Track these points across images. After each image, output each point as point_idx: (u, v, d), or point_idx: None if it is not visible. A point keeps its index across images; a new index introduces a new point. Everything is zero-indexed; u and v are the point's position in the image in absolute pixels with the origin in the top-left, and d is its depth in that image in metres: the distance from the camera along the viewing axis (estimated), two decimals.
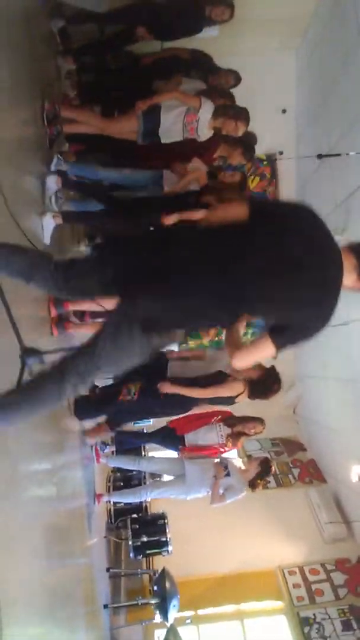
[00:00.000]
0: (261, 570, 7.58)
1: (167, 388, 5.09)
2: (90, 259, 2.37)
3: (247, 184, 8.08)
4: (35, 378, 2.23)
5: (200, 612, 7.23)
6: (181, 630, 5.99)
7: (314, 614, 7.10)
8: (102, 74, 5.74)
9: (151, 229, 4.95)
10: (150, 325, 2.17)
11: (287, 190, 8.30)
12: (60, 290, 2.35)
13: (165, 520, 6.70)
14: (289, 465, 9.21)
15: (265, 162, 8.15)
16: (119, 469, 7.11)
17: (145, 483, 6.96)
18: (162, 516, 6.77)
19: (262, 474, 5.95)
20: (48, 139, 4.38)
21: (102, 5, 5.37)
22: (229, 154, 5.14)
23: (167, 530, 6.61)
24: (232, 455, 8.59)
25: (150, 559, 7.08)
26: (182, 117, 4.70)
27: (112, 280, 2.29)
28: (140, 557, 6.66)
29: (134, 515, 6.85)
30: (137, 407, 5.34)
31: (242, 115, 4.83)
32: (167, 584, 5.78)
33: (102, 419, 5.78)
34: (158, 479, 6.97)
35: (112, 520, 6.98)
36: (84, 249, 6.10)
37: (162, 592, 5.75)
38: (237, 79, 5.34)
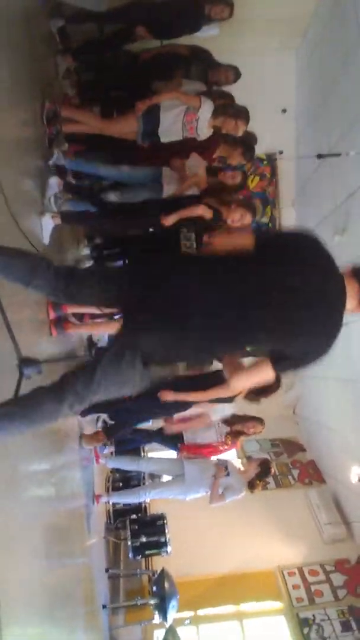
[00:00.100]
0: (260, 571, 7.57)
1: (169, 396, 5.10)
2: (94, 272, 2.35)
3: (247, 183, 8.12)
4: (34, 392, 2.21)
5: (200, 612, 7.23)
6: (180, 630, 6.00)
7: (313, 615, 7.09)
8: (101, 72, 5.73)
9: (151, 230, 4.95)
10: (152, 358, 2.19)
11: (287, 190, 8.30)
12: (59, 295, 2.33)
13: (165, 521, 6.70)
14: (288, 466, 9.21)
15: (265, 162, 8.15)
16: (118, 470, 7.09)
17: (144, 484, 6.96)
18: (162, 517, 6.77)
19: (261, 475, 5.94)
20: (47, 139, 4.36)
21: (102, 4, 5.36)
22: (228, 154, 5.13)
23: (167, 531, 6.61)
24: (231, 455, 8.61)
25: (150, 559, 7.09)
26: (181, 117, 4.68)
27: (115, 300, 2.36)
28: (139, 557, 6.67)
29: (133, 516, 6.85)
30: (136, 406, 5.33)
31: (242, 114, 4.82)
32: (166, 585, 5.78)
33: (100, 425, 5.81)
34: (157, 479, 6.96)
35: (112, 521, 6.98)
36: (83, 249, 6.08)
37: (161, 592, 5.75)
38: (237, 75, 5.32)
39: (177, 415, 5.63)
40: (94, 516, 5.71)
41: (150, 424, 6.48)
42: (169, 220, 4.67)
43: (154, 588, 5.90)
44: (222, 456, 6.31)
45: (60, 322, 4.19)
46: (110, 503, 6.92)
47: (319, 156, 6.23)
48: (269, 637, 7.17)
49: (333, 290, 2.20)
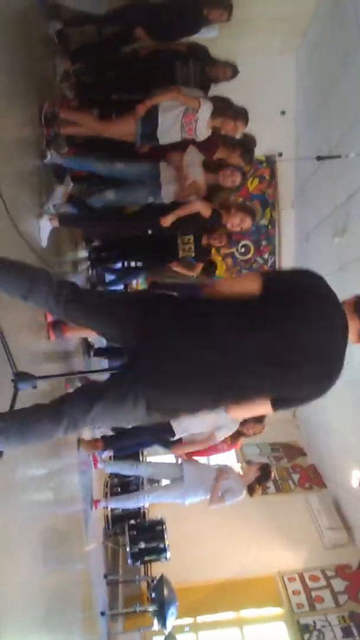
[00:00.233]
0: (261, 577, 7.54)
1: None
2: (97, 298, 2.28)
3: (246, 185, 8.10)
4: (32, 410, 2.20)
5: (199, 619, 7.20)
6: (180, 637, 5.97)
7: (313, 621, 7.04)
8: (100, 74, 5.69)
9: (149, 232, 4.90)
10: (155, 405, 2.16)
11: (287, 192, 8.28)
12: (58, 312, 2.27)
13: (164, 527, 6.66)
14: (288, 470, 9.18)
15: (264, 164, 8.14)
16: (116, 475, 7.04)
17: (143, 489, 6.91)
18: (161, 522, 6.73)
19: (261, 479, 5.91)
20: (45, 140, 4.33)
21: (100, 7, 5.33)
22: (227, 156, 5.11)
23: (166, 537, 6.57)
24: (231, 459, 8.57)
25: (149, 565, 7.04)
26: (180, 117, 4.65)
27: (117, 339, 2.38)
28: (138, 563, 6.63)
29: (132, 522, 6.81)
30: (138, 429, 5.37)
31: (241, 115, 4.80)
32: (166, 591, 5.74)
33: (99, 433, 5.78)
34: (156, 484, 6.91)
35: (110, 527, 6.93)
36: (81, 252, 6.05)
37: (161, 598, 5.71)
38: (235, 72, 5.28)
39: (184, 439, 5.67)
40: (92, 521, 5.66)
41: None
42: (167, 221, 4.64)
43: (153, 594, 5.86)
44: (222, 460, 6.26)
45: (58, 326, 4.14)
46: (109, 508, 6.87)
47: (319, 158, 6.20)
48: None
49: (339, 338, 2.21)
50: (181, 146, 4.89)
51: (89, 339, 5.82)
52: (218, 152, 5.07)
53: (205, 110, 4.68)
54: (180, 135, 4.74)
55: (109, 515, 6.92)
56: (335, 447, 8.09)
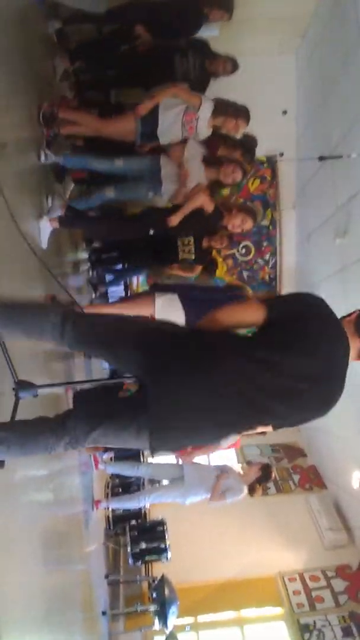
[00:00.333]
0: (261, 577, 7.52)
1: None
2: (99, 333, 2.26)
3: (247, 185, 8.09)
4: (36, 422, 2.20)
5: (200, 618, 7.19)
6: (180, 637, 5.97)
7: (314, 621, 7.03)
8: (100, 72, 5.70)
9: (151, 232, 4.90)
10: (158, 445, 2.15)
11: (288, 192, 8.27)
12: (63, 346, 2.27)
13: (165, 527, 6.67)
14: (289, 471, 9.17)
15: (265, 164, 8.12)
16: (117, 475, 7.05)
17: (144, 489, 6.92)
18: (161, 522, 6.74)
19: (261, 479, 5.91)
20: (45, 141, 4.33)
21: (100, 5, 5.33)
22: (228, 155, 5.09)
23: (166, 537, 6.58)
24: (232, 460, 8.57)
25: (149, 565, 7.04)
26: (181, 116, 4.63)
27: (122, 368, 2.36)
28: (139, 563, 6.65)
29: (133, 522, 6.82)
30: None
31: (242, 113, 4.78)
32: (166, 591, 5.75)
33: None
34: (157, 484, 6.92)
35: (111, 527, 6.94)
36: (81, 253, 6.05)
37: (161, 598, 5.72)
38: (235, 67, 5.25)
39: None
40: (93, 522, 5.67)
41: None
42: (175, 220, 4.62)
43: (154, 594, 5.87)
44: (222, 460, 6.26)
45: None
46: (110, 509, 6.88)
47: (321, 158, 6.20)
48: None
49: (342, 361, 2.19)
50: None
51: None
52: (218, 152, 5.07)
53: (207, 108, 4.67)
54: (181, 134, 4.72)
55: (110, 516, 6.94)
56: (336, 448, 8.09)
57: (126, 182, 4.99)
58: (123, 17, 5.29)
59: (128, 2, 5.32)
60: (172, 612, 5.64)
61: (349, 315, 2.29)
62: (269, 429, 2.29)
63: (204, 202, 4.66)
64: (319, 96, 6.95)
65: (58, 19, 5.16)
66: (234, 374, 2.08)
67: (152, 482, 7.04)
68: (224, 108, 4.74)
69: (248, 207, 5.42)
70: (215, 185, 4.99)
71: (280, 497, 8.68)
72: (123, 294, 7.34)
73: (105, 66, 5.53)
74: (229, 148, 5.08)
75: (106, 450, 5.69)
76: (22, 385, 2.37)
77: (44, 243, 4.05)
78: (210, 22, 5.47)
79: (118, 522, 6.95)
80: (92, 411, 2.22)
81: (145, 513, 7.13)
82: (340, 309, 2.24)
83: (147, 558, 6.57)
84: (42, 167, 4.32)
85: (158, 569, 6.76)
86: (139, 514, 7.04)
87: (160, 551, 6.52)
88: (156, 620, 5.75)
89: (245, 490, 5.86)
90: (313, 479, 9.02)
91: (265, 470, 5.96)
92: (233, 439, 5.48)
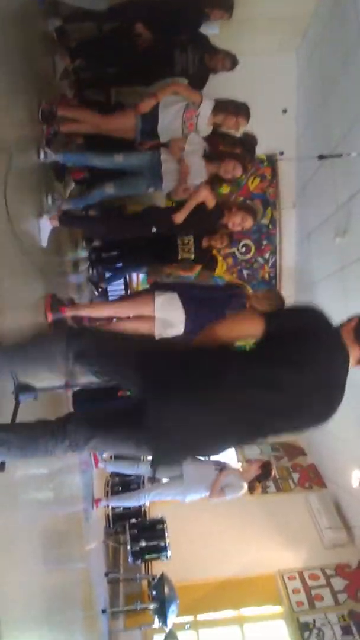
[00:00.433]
0: (261, 575, 7.51)
1: None
2: (102, 358, 2.25)
3: (247, 184, 8.09)
4: (36, 425, 2.21)
5: (200, 617, 7.18)
6: (180, 635, 5.97)
7: (313, 619, 7.03)
8: (100, 70, 5.70)
9: (153, 229, 4.90)
10: (158, 458, 2.25)
11: (288, 191, 8.26)
12: (66, 363, 2.24)
13: (164, 525, 6.67)
14: (289, 469, 9.16)
15: (265, 163, 8.11)
16: (117, 474, 7.05)
17: (144, 487, 6.92)
18: (161, 521, 6.73)
19: (261, 477, 5.92)
20: (45, 139, 4.33)
21: (100, 3, 5.33)
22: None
23: (166, 535, 6.57)
24: (232, 458, 8.57)
25: (149, 563, 7.04)
26: (181, 113, 4.64)
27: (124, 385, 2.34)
28: (139, 561, 6.64)
29: (133, 520, 6.82)
30: None
31: (243, 110, 4.78)
32: (166, 589, 5.75)
33: None
34: (157, 482, 6.92)
35: (111, 525, 6.95)
36: (81, 252, 6.05)
37: (161, 597, 5.72)
38: (234, 63, 5.24)
39: None
40: (93, 520, 5.67)
41: None
42: (180, 217, 4.63)
43: (154, 592, 5.87)
44: (222, 457, 6.26)
45: (59, 325, 4.14)
46: (110, 507, 6.89)
47: (321, 157, 6.19)
48: None
49: (342, 371, 2.20)
50: None
51: None
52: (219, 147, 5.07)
53: (207, 105, 4.69)
54: (181, 131, 4.73)
55: (110, 514, 6.94)
56: (336, 447, 8.09)
57: (126, 178, 4.96)
58: (124, 14, 5.29)
59: (128, 0, 5.32)
60: (172, 610, 5.64)
61: (349, 321, 2.28)
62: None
63: (206, 196, 4.66)
64: (319, 96, 6.94)
65: (58, 17, 5.16)
66: (234, 394, 2.07)
67: (152, 480, 7.04)
68: (224, 105, 4.75)
69: (248, 206, 5.42)
70: (216, 179, 4.98)
71: (280, 496, 8.68)
72: (123, 293, 7.35)
73: (106, 64, 5.53)
74: (229, 146, 5.07)
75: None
76: (22, 388, 2.38)
77: (44, 242, 4.05)
78: (211, 20, 5.48)
79: (118, 521, 6.95)
80: (93, 419, 2.24)
81: (145, 511, 7.13)
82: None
83: (146, 556, 6.56)
84: (42, 166, 4.32)
85: (158, 567, 6.76)
86: (138, 512, 7.04)
87: (160, 549, 6.51)
88: (156, 619, 5.75)
89: (245, 487, 5.88)
90: (313, 478, 9.02)
91: (266, 467, 5.97)
92: None
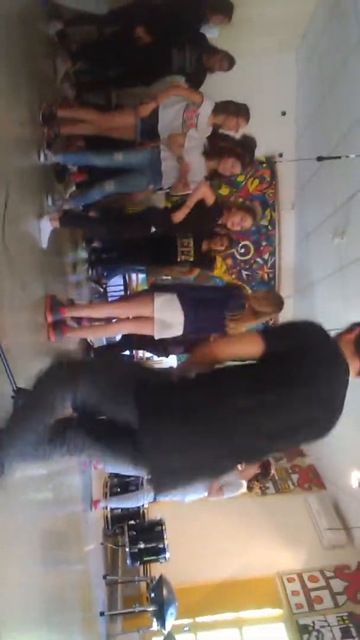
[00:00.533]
0: (260, 577, 7.51)
1: None
2: (104, 381, 2.22)
3: (246, 185, 8.09)
4: (35, 428, 2.16)
5: (199, 619, 7.17)
6: (179, 638, 5.95)
7: (313, 622, 7.02)
8: (101, 73, 5.70)
9: (153, 229, 4.89)
10: (158, 486, 2.20)
11: (287, 193, 8.27)
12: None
13: (163, 527, 6.65)
14: (288, 471, 9.16)
15: (264, 165, 8.12)
16: (116, 475, 7.04)
17: (142, 488, 6.91)
18: (160, 523, 6.72)
19: (260, 476, 5.91)
20: (45, 142, 4.32)
21: (101, 7, 5.34)
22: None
23: (165, 537, 6.55)
24: None
25: (148, 565, 7.04)
26: (181, 113, 4.65)
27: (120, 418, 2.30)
28: (137, 564, 6.62)
29: (131, 522, 6.80)
30: None
31: (243, 111, 4.81)
32: (165, 591, 5.74)
33: None
34: None
35: (109, 527, 6.93)
36: (81, 252, 6.04)
37: (160, 599, 5.71)
38: (231, 64, 5.26)
39: None
40: (91, 522, 5.66)
41: None
42: (179, 216, 4.63)
43: (152, 595, 5.86)
44: None
45: (59, 326, 4.13)
46: (108, 508, 6.87)
47: (319, 159, 6.19)
48: None
49: (341, 384, 2.16)
50: None
51: (89, 339, 5.82)
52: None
53: (207, 105, 4.70)
54: (181, 131, 4.73)
55: (109, 516, 6.93)
56: (335, 448, 8.08)
57: (126, 175, 4.95)
58: (124, 18, 5.30)
59: (129, 3, 5.33)
60: (171, 612, 5.64)
61: (347, 332, 2.25)
62: None
63: (205, 193, 4.66)
64: (319, 96, 6.95)
65: (60, 20, 5.16)
66: (231, 420, 2.04)
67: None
68: (224, 106, 4.76)
69: (247, 206, 5.41)
70: (215, 175, 4.98)
71: (279, 497, 8.68)
72: (122, 293, 7.34)
73: (107, 67, 5.54)
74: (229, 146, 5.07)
75: None
76: (20, 393, 2.37)
77: (44, 243, 4.04)
78: (211, 24, 5.49)
79: (116, 522, 6.94)
80: (92, 431, 2.24)
81: (143, 513, 7.12)
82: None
83: (145, 558, 6.54)
84: (43, 167, 4.31)
85: (156, 569, 6.75)
86: (137, 514, 7.03)
87: (159, 551, 6.50)
88: (154, 621, 5.74)
89: (244, 485, 5.87)
90: (312, 479, 9.01)
91: (265, 466, 5.95)
92: None
